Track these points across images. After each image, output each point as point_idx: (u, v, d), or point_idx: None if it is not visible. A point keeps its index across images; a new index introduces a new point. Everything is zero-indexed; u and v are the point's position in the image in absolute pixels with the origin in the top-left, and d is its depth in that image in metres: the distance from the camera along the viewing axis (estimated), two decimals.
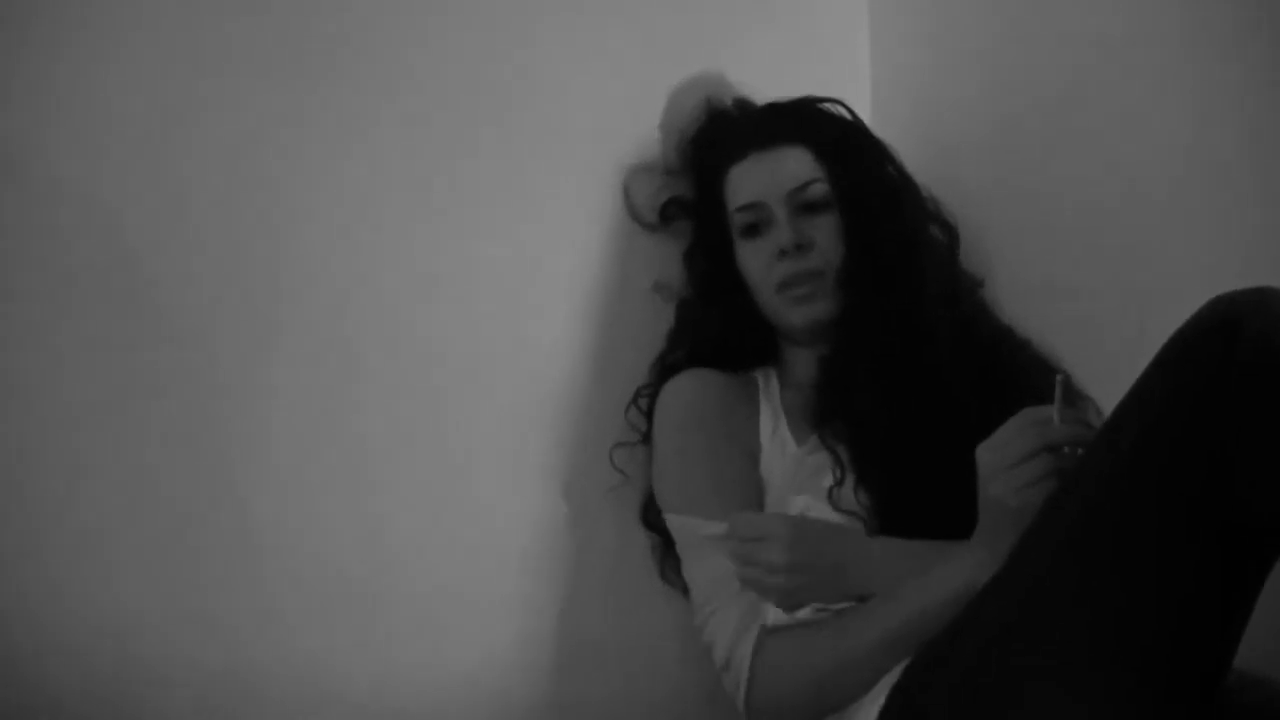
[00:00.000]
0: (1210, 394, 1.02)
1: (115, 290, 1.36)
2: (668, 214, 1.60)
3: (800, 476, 1.41)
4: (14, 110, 1.33)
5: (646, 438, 1.52)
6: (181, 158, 1.38)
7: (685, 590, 1.44)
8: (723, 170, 1.52)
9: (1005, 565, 1.15)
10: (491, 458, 1.50)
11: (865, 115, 1.72)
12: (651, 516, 1.51)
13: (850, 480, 1.37)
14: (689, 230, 1.59)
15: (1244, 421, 1.00)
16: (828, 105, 1.54)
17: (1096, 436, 1.14)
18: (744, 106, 1.61)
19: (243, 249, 1.40)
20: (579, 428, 1.54)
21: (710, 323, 1.56)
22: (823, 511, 1.37)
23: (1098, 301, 1.51)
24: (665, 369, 1.55)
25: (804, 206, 1.47)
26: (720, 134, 1.56)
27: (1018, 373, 1.44)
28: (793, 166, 1.48)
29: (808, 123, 1.51)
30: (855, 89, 1.74)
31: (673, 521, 1.44)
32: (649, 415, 1.52)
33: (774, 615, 1.32)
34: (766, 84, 1.60)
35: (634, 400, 1.54)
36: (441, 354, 1.48)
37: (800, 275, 1.46)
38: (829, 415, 1.42)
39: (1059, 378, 1.23)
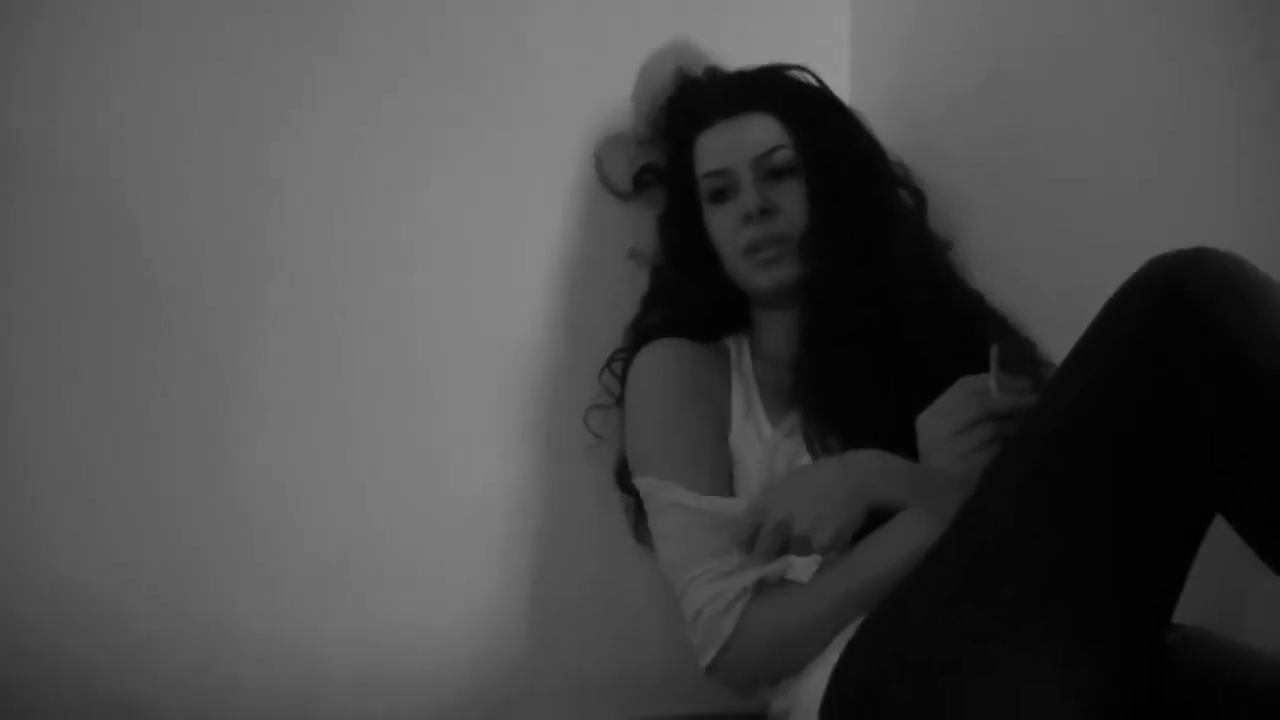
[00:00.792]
0: (1146, 354, 1.03)
1: (110, 266, 1.39)
2: (641, 182, 1.62)
3: (778, 460, 1.43)
4: (15, 104, 1.36)
5: (620, 401, 1.54)
6: (170, 134, 1.42)
7: None
8: (692, 138, 1.54)
9: (952, 528, 1.16)
10: (468, 422, 1.53)
11: (845, 84, 1.75)
12: (625, 479, 1.53)
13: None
14: (663, 198, 1.62)
15: (1176, 383, 1.02)
16: (795, 72, 1.56)
17: (1041, 395, 1.15)
18: (715, 75, 1.62)
19: (228, 219, 1.44)
20: (555, 392, 1.57)
21: (683, 289, 1.58)
22: None
23: (1073, 269, 1.52)
24: (639, 334, 1.57)
25: (770, 172, 1.49)
26: (689, 102, 1.58)
27: (988, 340, 1.46)
28: (759, 133, 1.50)
29: (774, 89, 1.53)
30: (835, 57, 1.76)
31: (641, 483, 1.46)
32: (623, 380, 1.54)
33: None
34: (745, 54, 1.62)
35: (608, 364, 1.57)
36: (418, 322, 1.51)
37: (766, 239, 1.48)
38: (805, 394, 1.44)
39: (994, 347, 1.25)
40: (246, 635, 1.40)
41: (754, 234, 1.48)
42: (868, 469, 1.28)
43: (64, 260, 1.37)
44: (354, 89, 1.50)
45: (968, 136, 1.67)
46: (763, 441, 1.45)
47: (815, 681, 1.25)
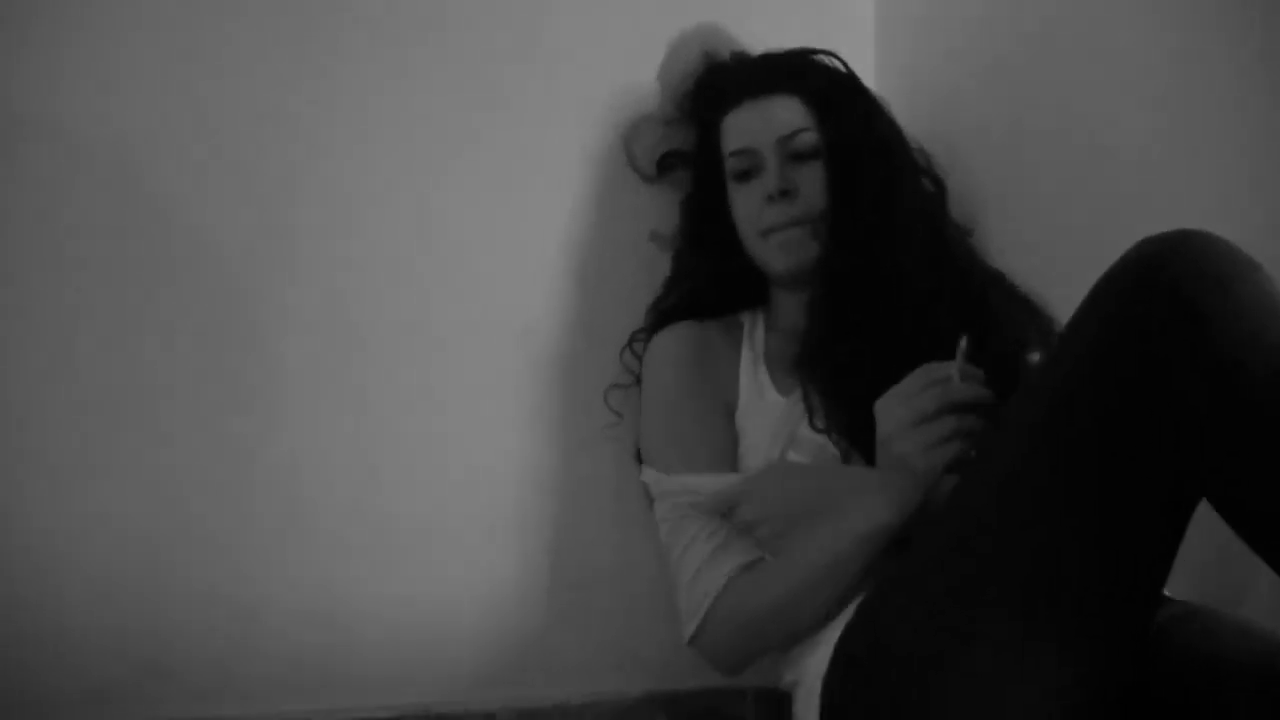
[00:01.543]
0: (1129, 334, 1.03)
1: (139, 258, 1.45)
2: (665, 165, 1.65)
3: (781, 426, 1.46)
4: (36, 67, 1.41)
5: (639, 380, 1.58)
6: (205, 107, 1.47)
7: None
8: (719, 117, 1.57)
9: (936, 521, 1.18)
10: (486, 404, 1.56)
11: (868, 66, 1.76)
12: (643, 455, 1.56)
13: (826, 427, 1.42)
14: (685, 181, 1.64)
15: (1158, 365, 1.01)
16: (821, 57, 1.57)
17: (1030, 377, 1.16)
18: (742, 57, 1.64)
19: (250, 208, 1.49)
20: (571, 375, 1.60)
21: (702, 270, 1.60)
22: (802, 459, 1.43)
23: (1095, 251, 1.52)
24: (659, 315, 1.60)
25: (793, 155, 1.51)
26: (718, 81, 1.60)
27: (1006, 320, 1.47)
28: (784, 115, 1.52)
29: (800, 73, 1.55)
30: (859, 42, 1.77)
31: (646, 475, 1.50)
32: (641, 360, 1.58)
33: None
34: (769, 38, 1.64)
35: (629, 344, 1.60)
36: (442, 300, 1.55)
37: (784, 221, 1.50)
38: (808, 366, 1.45)
39: (963, 338, 1.24)
40: (273, 606, 1.45)
41: (774, 216, 1.50)
42: (844, 485, 1.32)
43: (95, 252, 1.43)
44: (368, 77, 1.54)
45: (991, 121, 1.68)
46: (768, 410, 1.47)
47: (820, 658, 1.28)
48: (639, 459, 1.57)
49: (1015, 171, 1.65)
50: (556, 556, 1.57)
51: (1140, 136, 1.46)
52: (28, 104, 1.40)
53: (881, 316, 1.43)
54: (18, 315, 1.39)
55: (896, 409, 1.27)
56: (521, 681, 1.53)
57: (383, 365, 1.52)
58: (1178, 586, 1.17)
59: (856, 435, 1.38)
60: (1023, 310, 1.51)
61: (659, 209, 1.65)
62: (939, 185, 1.59)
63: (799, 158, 1.51)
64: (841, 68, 1.58)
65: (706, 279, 1.60)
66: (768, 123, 1.52)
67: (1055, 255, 1.57)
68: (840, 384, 1.42)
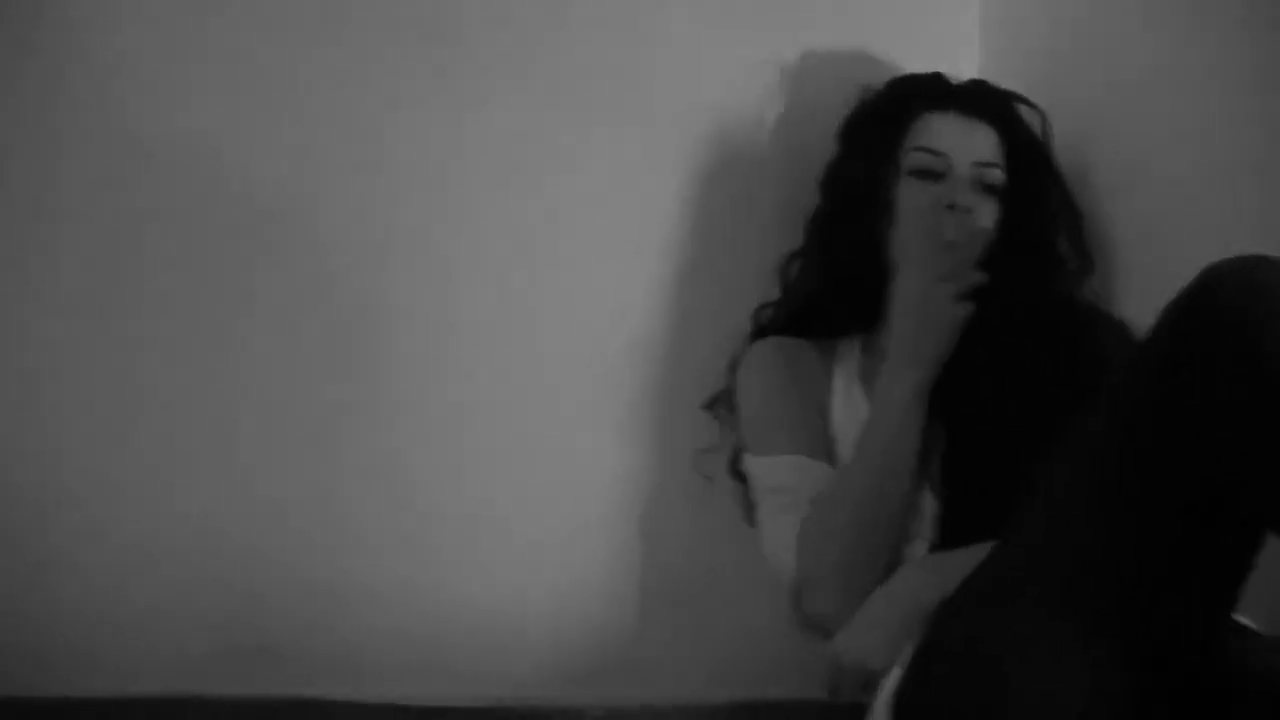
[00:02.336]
0: (1187, 363, 1.03)
1: (251, 263, 1.56)
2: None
3: None
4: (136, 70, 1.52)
5: (732, 391, 1.59)
6: (308, 111, 1.56)
7: None
8: (916, 111, 1.56)
9: (1007, 533, 1.18)
10: (585, 409, 1.62)
11: (973, 71, 1.75)
12: (738, 467, 1.58)
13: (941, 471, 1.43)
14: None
15: (1216, 387, 1.01)
16: (1024, 109, 1.60)
17: (1102, 396, 1.15)
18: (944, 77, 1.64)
19: (358, 218, 1.58)
20: (668, 383, 1.64)
21: (813, 285, 1.60)
22: None
23: None
24: (758, 327, 1.62)
25: (980, 181, 1.53)
26: (922, 83, 1.61)
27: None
28: (985, 143, 1.54)
29: (1008, 116, 1.58)
30: (963, 58, 1.77)
31: (747, 460, 1.52)
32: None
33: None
34: (872, 41, 1.68)
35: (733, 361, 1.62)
36: (538, 307, 1.61)
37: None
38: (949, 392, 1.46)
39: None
40: (377, 595, 1.53)
41: (952, 227, 1.50)
42: (912, 584, 1.32)
43: (191, 254, 1.54)
44: (473, 84, 1.61)
45: (1100, 138, 1.66)
46: (860, 424, 1.49)
47: (893, 676, 1.29)
48: (732, 468, 1.59)
49: (1128, 192, 1.62)
50: (649, 562, 1.61)
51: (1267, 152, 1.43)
52: (142, 119, 1.51)
53: (1011, 374, 1.43)
54: (125, 317, 1.50)
55: (916, 276, 1.42)
56: (610, 682, 1.57)
57: (484, 367, 1.59)
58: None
59: (968, 484, 1.40)
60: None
61: (758, 221, 1.68)
62: (1086, 263, 1.58)
63: (985, 188, 1.53)
64: (1039, 127, 1.60)
65: (814, 296, 1.60)
66: (970, 141, 1.54)
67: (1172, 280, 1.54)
68: (960, 424, 1.44)
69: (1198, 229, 1.50)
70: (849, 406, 1.53)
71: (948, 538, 1.39)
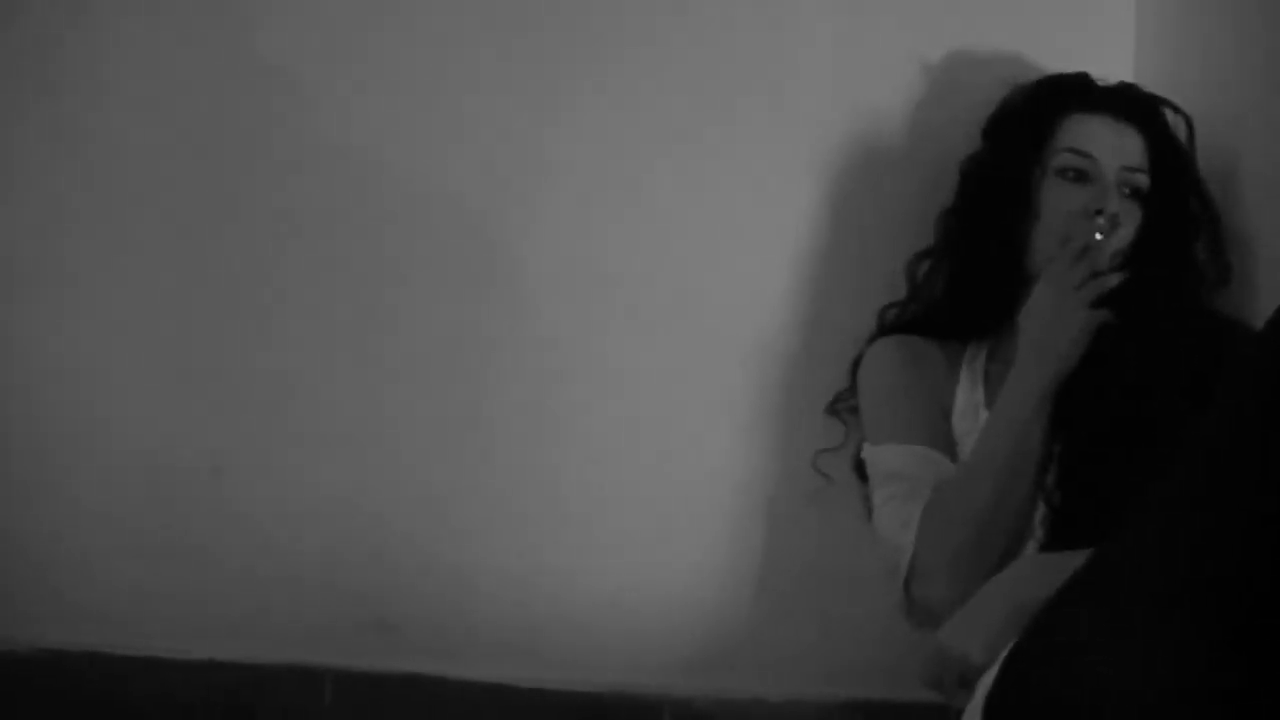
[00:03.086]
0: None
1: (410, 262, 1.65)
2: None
3: None
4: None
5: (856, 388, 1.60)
6: (468, 115, 1.64)
7: None
8: (1067, 111, 1.55)
9: (1113, 536, 1.16)
10: (713, 407, 1.66)
11: (1127, 74, 1.71)
12: (860, 460, 1.58)
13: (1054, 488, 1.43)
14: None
15: None
16: (1172, 114, 1.57)
17: (1218, 400, 1.12)
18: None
19: (500, 221, 1.65)
20: (792, 382, 1.66)
21: (940, 285, 1.60)
22: None
23: None
24: (881, 326, 1.62)
25: (1127, 186, 1.52)
26: (1072, 82, 1.59)
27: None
28: (1133, 147, 1.53)
29: (1156, 120, 1.56)
30: (1118, 59, 1.73)
31: (867, 452, 1.53)
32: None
33: None
34: (1020, 40, 1.67)
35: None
36: (670, 306, 1.65)
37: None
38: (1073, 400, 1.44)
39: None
40: (497, 574, 1.60)
41: (1097, 235, 1.48)
42: (1021, 581, 1.31)
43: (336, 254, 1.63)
44: (612, 86, 1.66)
45: (1248, 147, 1.60)
46: (980, 423, 1.49)
47: (991, 675, 1.28)
48: (856, 467, 1.59)
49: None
50: (767, 559, 1.64)
51: None
52: (301, 122, 1.62)
53: (1140, 388, 1.41)
54: (284, 304, 1.61)
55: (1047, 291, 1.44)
56: (722, 675, 1.60)
57: (620, 368, 1.64)
58: None
59: (1082, 490, 1.40)
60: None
61: (894, 222, 1.67)
62: (1223, 272, 1.55)
63: (1130, 193, 1.52)
64: (1185, 135, 1.57)
65: (944, 295, 1.60)
66: (1120, 144, 1.52)
67: None
68: (1080, 434, 1.42)
69: None
70: (971, 410, 1.52)
71: (1057, 542, 1.39)
